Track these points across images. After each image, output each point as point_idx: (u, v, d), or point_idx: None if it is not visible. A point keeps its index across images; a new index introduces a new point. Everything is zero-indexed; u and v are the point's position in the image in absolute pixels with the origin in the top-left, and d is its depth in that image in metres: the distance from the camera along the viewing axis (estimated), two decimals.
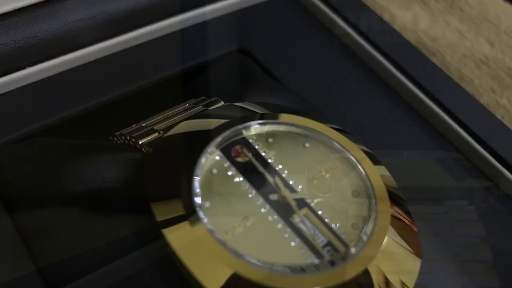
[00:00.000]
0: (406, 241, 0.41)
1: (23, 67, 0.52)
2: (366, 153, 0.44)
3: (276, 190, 0.41)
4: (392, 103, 0.59)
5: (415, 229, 0.42)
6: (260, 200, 0.40)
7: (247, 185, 0.41)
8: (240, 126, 0.43)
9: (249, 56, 0.60)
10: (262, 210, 0.40)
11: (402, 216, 0.42)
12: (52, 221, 0.43)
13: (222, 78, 0.56)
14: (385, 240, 0.39)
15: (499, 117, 0.65)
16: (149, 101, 0.54)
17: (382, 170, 0.44)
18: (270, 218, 0.40)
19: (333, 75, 0.61)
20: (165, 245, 0.38)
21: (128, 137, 0.46)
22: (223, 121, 0.44)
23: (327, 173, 0.43)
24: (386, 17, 0.73)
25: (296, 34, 0.63)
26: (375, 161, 0.44)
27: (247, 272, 0.36)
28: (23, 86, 0.52)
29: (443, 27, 0.78)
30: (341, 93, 0.59)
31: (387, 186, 0.42)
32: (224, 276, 0.36)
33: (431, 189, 0.51)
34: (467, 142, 0.55)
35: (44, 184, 0.44)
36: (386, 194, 0.42)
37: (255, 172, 0.42)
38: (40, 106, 0.52)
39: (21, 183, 0.45)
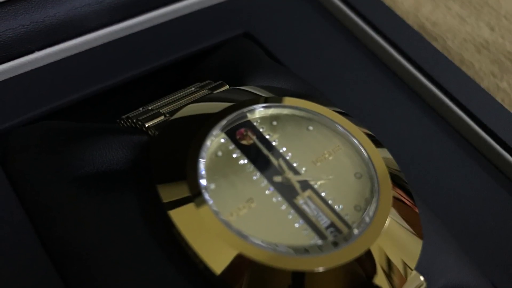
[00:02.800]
0: (408, 222, 0.41)
1: (32, 51, 0.53)
2: (369, 135, 0.45)
3: (280, 172, 0.42)
4: (395, 87, 0.59)
5: (416, 210, 0.43)
6: (265, 182, 0.41)
7: (251, 167, 0.42)
8: (244, 109, 0.44)
9: (254, 40, 0.60)
10: (266, 192, 0.41)
11: (404, 197, 0.42)
12: (59, 202, 0.43)
13: (228, 62, 0.56)
14: (387, 222, 0.40)
15: (499, 100, 0.66)
16: (156, 85, 0.55)
17: (384, 153, 0.44)
18: (274, 199, 0.40)
19: (337, 59, 0.61)
20: (171, 226, 0.39)
21: (134, 120, 0.46)
22: (228, 104, 0.44)
23: (330, 155, 0.43)
24: (388, 2, 0.74)
25: (299, 19, 0.63)
26: (378, 143, 0.45)
27: (251, 253, 0.37)
28: (31, 70, 0.53)
29: (444, 12, 0.78)
30: (344, 77, 0.60)
31: (389, 168, 0.43)
32: (229, 256, 0.37)
33: (431, 170, 0.52)
34: (468, 125, 0.55)
35: (51, 166, 0.45)
36: (388, 176, 0.42)
37: (259, 154, 0.42)
38: (48, 89, 0.52)
39: (29, 164, 0.45)
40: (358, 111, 0.56)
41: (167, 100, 0.48)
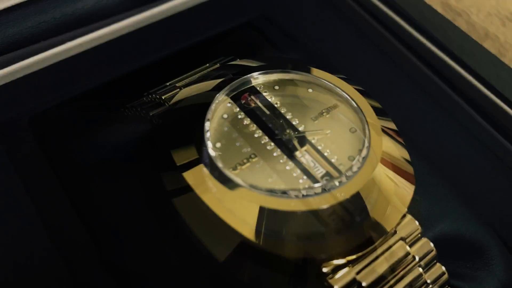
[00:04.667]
0: (398, 170, 0.44)
1: (63, 42, 0.58)
2: (363, 93, 0.48)
3: (280, 130, 0.46)
4: (415, 68, 0.62)
5: (408, 158, 0.46)
6: (266, 139, 0.45)
7: (254, 126, 0.46)
8: (248, 76, 0.48)
9: (271, 21, 0.64)
10: (268, 147, 0.44)
11: (395, 147, 0.46)
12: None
13: (244, 41, 0.60)
14: (376, 168, 0.43)
15: None
16: (182, 65, 0.59)
17: (378, 108, 0.48)
18: (274, 154, 0.44)
19: (352, 41, 0.64)
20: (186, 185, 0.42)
21: (154, 94, 0.51)
22: (233, 72, 0.48)
23: (328, 113, 0.47)
24: None
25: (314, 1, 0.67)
26: (371, 99, 0.48)
27: (258, 201, 0.41)
28: (63, 59, 0.58)
29: None
30: (361, 57, 0.63)
31: (381, 120, 0.46)
32: (238, 206, 0.41)
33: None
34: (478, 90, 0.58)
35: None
36: (379, 129, 0.46)
37: (262, 115, 0.47)
38: (80, 75, 0.57)
39: (64, 138, 0.51)
40: (373, 87, 0.59)
41: (183, 76, 0.53)
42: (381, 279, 0.41)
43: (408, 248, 0.43)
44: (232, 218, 0.41)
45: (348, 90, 0.48)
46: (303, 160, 0.44)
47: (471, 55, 0.60)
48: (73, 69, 0.57)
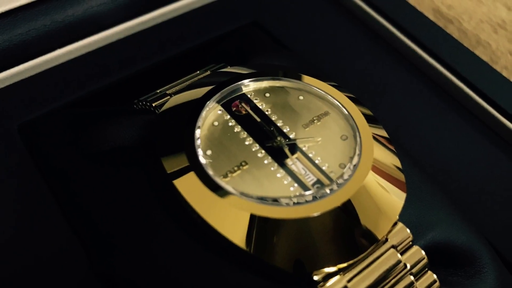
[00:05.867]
0: (390, 177, 0.44)
1: (53, 49, 0.57)
2: (354, 100, 0.48)
3: (271, 137, 0.46)
4: (406, 72, 0.62)
5: (399, 166, 0.46)
6: (257, 146, 0.45)
7: (245, 134, 0.45)
8: (239, 83, 0.48)
9: (262, 28, 0.64)
10: (258, 155, 0.44)
11: (386, 154, 0.45)
12: (80, 175, 0.48)
13: (236, 48, 0.60)
14: (368, 176, 0.43)
15: None
16: (172, 73, 0.59)
17: (369, 116, 0.48)
18: (265, 161, 0.44)
19: (344, 47, 0.64)
20: (176, 193, 0.43)
21: (144, 102, 0.51)
22: (224, 79, 0.48)
23: (319, 121, 0.47)
24: None
25: (305, 7, 0.67)
26: (363, 106, 0.48)
27: (249, 208, 0.41)
28: (54, 66, 0.58)
29: None
30: (352, 64, 0.63)
31: (373, 128, 0.46)
32: (229, 214, 0.41)
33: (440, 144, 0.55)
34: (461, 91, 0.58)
35: (74, 146, 0.50)
36: (370, 136, 0.46)
37: (252, 122, 0.46)
38: (71, 82, 0.57)
39: (55, 145, 0.51)
40: (365, 94, 0.60)
41: (174, 83, 0.53)
42: (372, 287, 0.41)
43: (399, 256, 0.43)
44: (223, 226, 0.41)
45: (339, 98, 0.48)
46: (294, 167, 0.44)
47: (463, 62, 0.60)
48: (63, 77, 0.57)
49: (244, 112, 0.47)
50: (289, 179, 0.43)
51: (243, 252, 0.40)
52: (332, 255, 0.41)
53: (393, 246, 0.43)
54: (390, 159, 0.45)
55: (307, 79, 0.49)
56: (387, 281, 0.42)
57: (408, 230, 0.44)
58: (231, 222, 0.41)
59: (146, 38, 0.61)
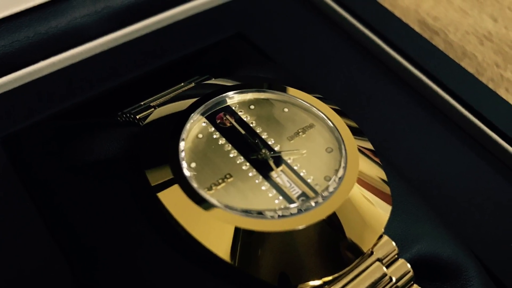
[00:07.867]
0: (375, 190, 0.44)
1: (37, 61, 0.57)
2: (340, 112, 0.48)
3: (256, 150, 0.45)
4: (389, 83, 0.62)
5: (385, 178, 0.45)
6: (241, 159, 0.44)
7: (229, 146, 0.45)
8: (224, 95, 0.48)
9: (246, 40, 0.64)
10: (243, 167, 0.44)
11: (372, 167, 0.45)
12: (63, 188, 0.48)
13: (220, 59, 0.60)
14: (353, 189, 0.43)
15: (503, 90, 0.68)
16: (155, 85, 0.59)
17: (354, 128, 0.47)
18: (250, 174, 0.44)
19: (329, 57, 0.64)
20: (161, 206, 0.42)
21: (128, 114, 0.50)
22: (208, 91, 0.48)
23: (304, 133, 0.47)
24: None
25: (290, 18, 0.67)
26: (348, 119, 0.48)
27: (234, 221, 0.41)
28: (38, 78, 0.57)
29: (446, 6, 0.80)
30: (337, 74, 0.63)
31: (358, 140, 0.46)
32: (214, 227, 0.41)
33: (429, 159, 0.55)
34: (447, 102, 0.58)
35: (57, 158, 0.49)
36: (356, 148, 0.45)
37: (237, 135, 0.46)
38: (55, 94, 0.57)
39: (38, 158, 0.50)
40: (351, 106, 0.59)
41: (158, 95, 0.52)
42: None
43: (384, 269, 0.42)
44: (208, 239, 0.40)
45: (324, 110, 0.48)
46: (279, 180, 0.43)
47: (449, 74, 0.60)
48: (46, 89, 0.57)
49: (228, 124, 0.46)
50: (274, 191, 0.43)
51: (228, 265, 0.40)
52: (317, 268, 0.40)
53: (379, 259, 0.42)
54: (375, 172, 0.45)
55: (292, 91, 0.49)
56: None
57: (393, 243, 0.44)
58: (215, 235, 0.40)
59: (130, 50, 0.60)
